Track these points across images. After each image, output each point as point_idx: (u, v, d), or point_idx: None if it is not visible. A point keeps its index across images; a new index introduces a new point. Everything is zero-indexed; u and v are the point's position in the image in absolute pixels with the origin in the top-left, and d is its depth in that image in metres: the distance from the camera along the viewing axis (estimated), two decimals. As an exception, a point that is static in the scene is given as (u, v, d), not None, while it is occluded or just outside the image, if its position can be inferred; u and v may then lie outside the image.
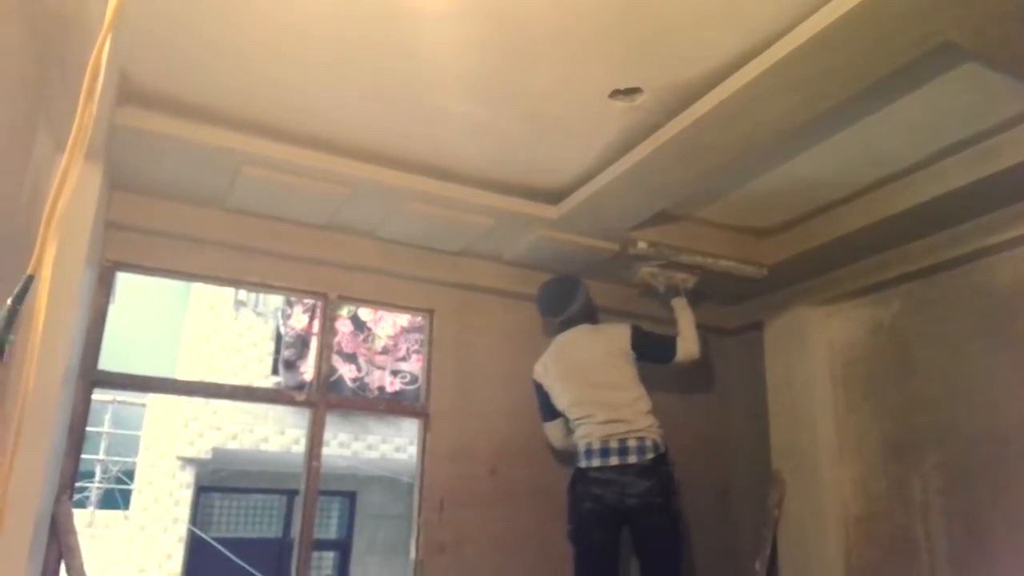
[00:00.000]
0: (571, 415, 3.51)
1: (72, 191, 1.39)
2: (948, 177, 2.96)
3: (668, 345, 3.58)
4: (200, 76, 2.63)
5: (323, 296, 3.71)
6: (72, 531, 2.95)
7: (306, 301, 7.41)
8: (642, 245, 3.60)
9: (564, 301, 3.65)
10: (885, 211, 3.21)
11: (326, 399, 3.62)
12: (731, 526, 4.25)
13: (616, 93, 2.63)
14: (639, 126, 2.80)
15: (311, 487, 3.46)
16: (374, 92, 2.68)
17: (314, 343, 7.47)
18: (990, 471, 3.17)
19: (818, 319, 3.97)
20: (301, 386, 6.78)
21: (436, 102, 2.73)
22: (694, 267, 3.75)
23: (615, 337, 3.55)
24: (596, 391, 3.43)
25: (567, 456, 3.85)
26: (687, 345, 3.58)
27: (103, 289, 3.28)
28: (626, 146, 2.92)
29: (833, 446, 3.80)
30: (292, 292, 3.72)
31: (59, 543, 2.91)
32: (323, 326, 3.72)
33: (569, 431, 3.58)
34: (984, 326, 3.27)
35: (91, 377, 3.19)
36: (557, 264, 3.89)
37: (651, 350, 3.55)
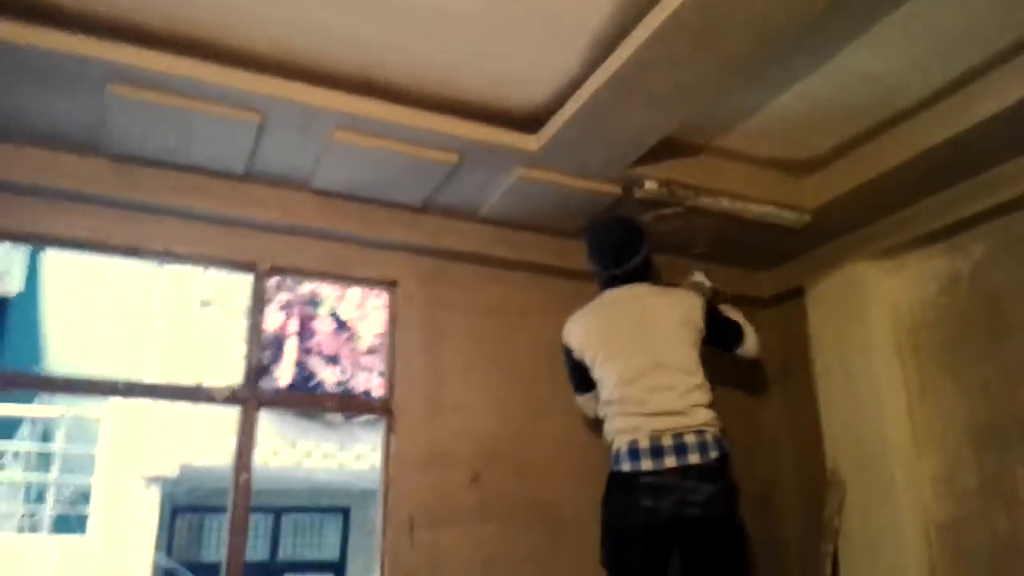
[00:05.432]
0: (612, 395, 2.71)
1: None
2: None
3: (735, 330, 2.89)
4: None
5: (252, 268, 2.95)
6: None
7: (280, 298, 6.71)
8: (651, 186, 2.82)
9: (628, 249, 2.81)
10: (969, 119, 2.41)
11: (257, 395, 2.86)
12: (776, 539, 3.43)
13: (604, -56, 1.87)
14: (636, 1, 2.03)
15: (240, 504, 2.72)
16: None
17: (290, 345, 6.79)
18: None
19: (876, 277, 3.16)
20: (277, 392, 6.07)
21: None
22: (718, 214, 2.97)
23: (688, 306, 2.77)
24: (655, 371, 2.65)
25: (571, 459, 3.09)
26: (754, 338, 2.93)
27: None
28: (620, 34, 2.15)
29: (906, 435, 3.00)
30: (211, 263, 2.97)
31: None
32: (254, 305, 2.96)
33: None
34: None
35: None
36: (547, 218, 3.12)
37: (719, 331, 2.83)
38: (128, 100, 2.27)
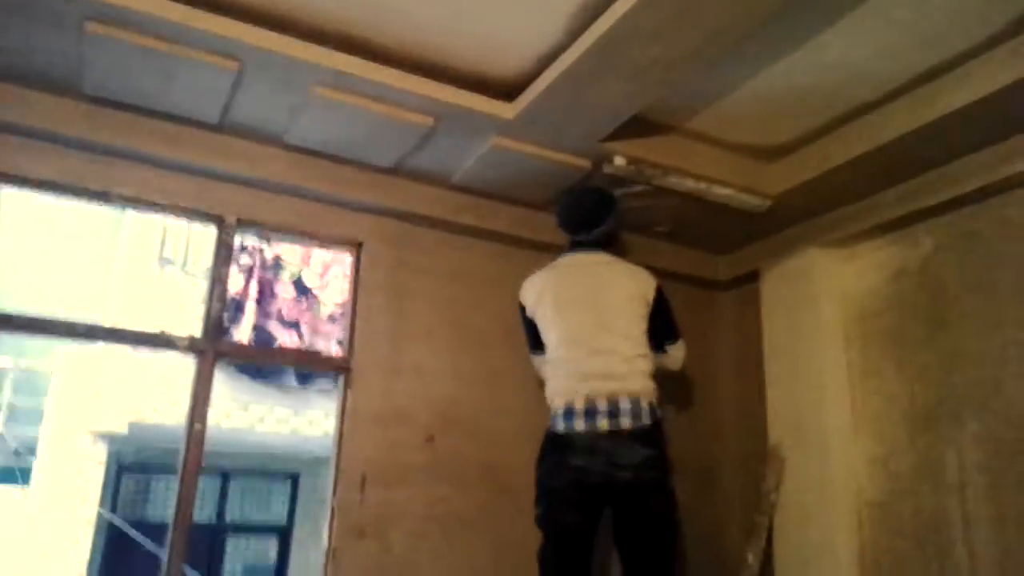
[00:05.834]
0: (555, 354, 2.76)
1: None
2: (1019, 63, 2.28)
3: (673, 331, 2.90)
4: None
5: (219, 220, 2.96)
6: None
7: (242, 262, 6.64)
8: (620, 162, 2.89)
9: (596, 217, 2.85)
10: (933, 112, 2.52)
11: (216, 345, 2.88)
12: (717, 512, 3.57)
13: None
14: (622, -31, 2.09)
15: (192, 457, 2.73)
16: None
17: (250, 308, 6.74)
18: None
19: (829, 265, 3.29)
20: (235, 344, 6.02)
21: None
22: (683, 194, 3.05)
23: (642, 281, 2.80)
24: (599, 334, 2.69)
25: (525, 426, 3.16)
26: (682, 355, 2.97)
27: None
28: (606, 2, 2.20)
29: (845, 416, 3.14)
30: (179, 212, 2.95)
31: None
32: (218, 258, 2.97)
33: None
34: (1046, 263, 2.62)
35: None
36: (516, 189, 3.18)
37: (661, 320, 2.82)
38: (107, 40, 2.26)
